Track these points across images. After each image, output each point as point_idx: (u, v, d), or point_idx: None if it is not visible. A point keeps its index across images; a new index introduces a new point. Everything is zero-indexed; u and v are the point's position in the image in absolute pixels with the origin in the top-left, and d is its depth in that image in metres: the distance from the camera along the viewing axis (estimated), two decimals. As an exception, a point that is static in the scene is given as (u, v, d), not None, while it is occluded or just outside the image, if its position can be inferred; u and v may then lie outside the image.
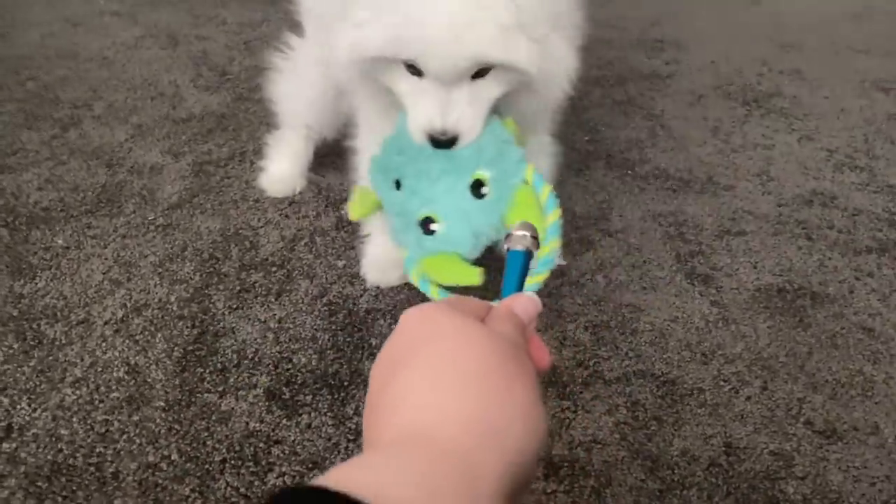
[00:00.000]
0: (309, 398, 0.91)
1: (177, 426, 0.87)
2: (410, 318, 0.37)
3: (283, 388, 0.93)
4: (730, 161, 1.57)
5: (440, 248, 0.84)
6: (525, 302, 0.43)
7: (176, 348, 0.98)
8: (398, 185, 0.86)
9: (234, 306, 1.07)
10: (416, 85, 0.79)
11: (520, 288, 0.52)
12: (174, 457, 0.82)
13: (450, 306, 0.38)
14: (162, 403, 0.89)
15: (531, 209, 0.79)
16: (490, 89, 0.80)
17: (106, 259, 1.16)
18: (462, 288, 0.76)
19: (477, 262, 0.83)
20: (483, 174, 0.82)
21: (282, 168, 1.36)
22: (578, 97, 1.86)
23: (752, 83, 2.01)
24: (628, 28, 2.50)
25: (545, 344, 0.43)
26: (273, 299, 1.08)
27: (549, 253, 0.75)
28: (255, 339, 1.00)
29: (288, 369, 0.96)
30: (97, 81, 1.85)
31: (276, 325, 1.03)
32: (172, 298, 1.08)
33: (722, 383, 0.96)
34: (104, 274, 1.13)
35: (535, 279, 0.75)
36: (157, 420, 0.87)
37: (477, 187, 0.82)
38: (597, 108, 1.84)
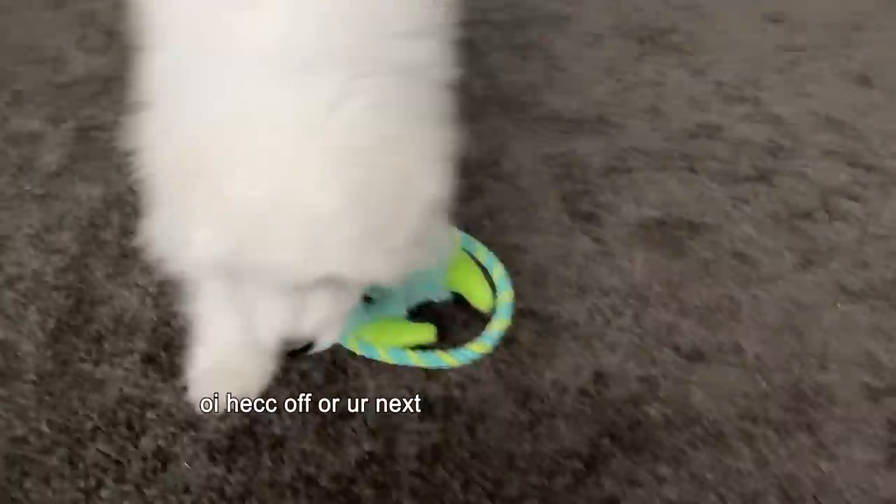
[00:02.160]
0: (186, 360, 0.91)
1: (48, 397, 0.86)
2: None
3: (161, 353, 0.92)
4: (621, 99, 1.59)
5: (378, 313, 0.89)
6: None
7: (49, 319, 0.97)
8: None
9: (113, 273, 1.05)
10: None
11: None
12: (43, 428, 0.82)
13: None
14: (33, 376, 0.88)
15: (468, 268, 0.95)
16: (352, 291, 0.72)
17: (-23, 234, 1.12)
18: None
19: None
20: None
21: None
22: (478, 41, 1.85)
23: (649, 21, 2.03)
24: (532, -31, 2.47)
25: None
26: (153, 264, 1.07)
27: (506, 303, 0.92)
28: (134, 305, 0.99)
29: (166, 332, 0.95)
30: (-27, 49, 1.76)
31: (156, 290, 1.02)
32: (48, 269, 1.06)
33: (596, 316, 0.99)
34: (-25, 249, 1.09)
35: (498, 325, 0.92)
36: (27, 393, 0.86)
37: None
38: (496, 52, 1.83)
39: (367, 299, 0.89)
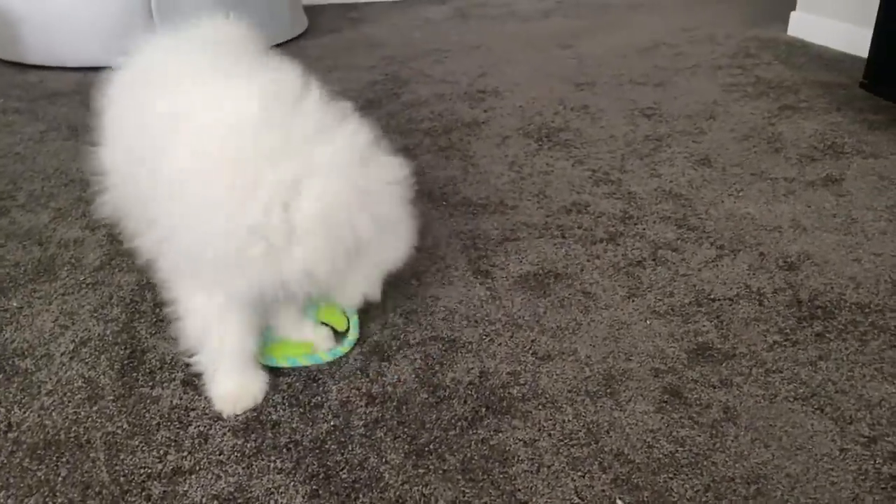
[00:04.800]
0: (207, 382, 1.38)
1: (124, 409, 1.32)
2: None
3: (194, 379, 1.40)
4: (518, 187, 2.13)
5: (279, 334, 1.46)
6: None
7: (115, 363, 1.44)
8: None
9: (154, 332, 1.53)
10: None
11: None
12: (124, 426, 1.28)
13: None
14: (111, 397, 1.35)
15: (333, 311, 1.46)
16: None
17: (52, 312, 1.60)
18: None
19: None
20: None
21: (233, 383, 1.30)
22: (412, 146, 2.40)
23: (547, 121, 2.60)
24: (459, 81, 3.06)
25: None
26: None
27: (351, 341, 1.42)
28: (171, 350, 1.47)
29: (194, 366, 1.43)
30: (14, 174, 2.26)
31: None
32: (108, 332, 1.53)
33: (484, 337, 1.49)
34: (54, 322, 1.57)
35: (351, 336, 1.44)
36: (110, 408, 1.32)
37: None
38: (425, 153, 2.38)
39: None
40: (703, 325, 1.51)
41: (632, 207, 2.00)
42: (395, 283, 1.65)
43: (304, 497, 1.13)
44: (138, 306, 1.60)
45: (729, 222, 1.91)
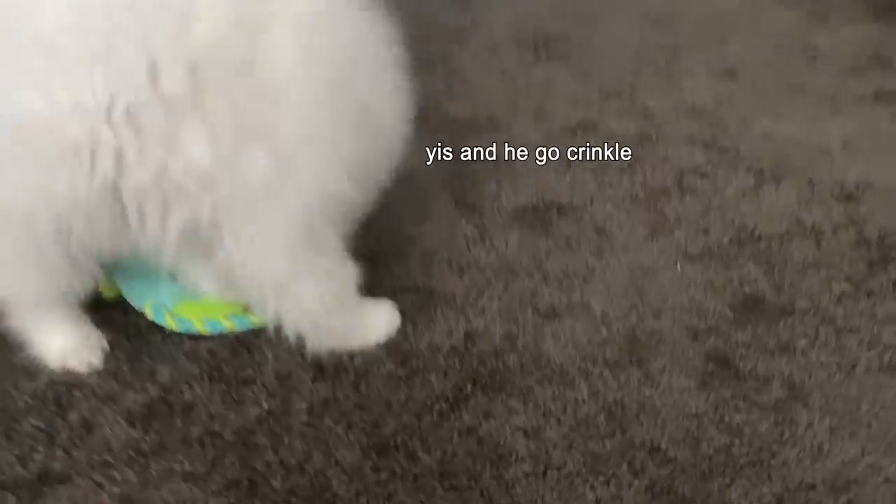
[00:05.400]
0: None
1: (-15, 386, 0.98)
2: None
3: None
4: (511, 102, 1.76)
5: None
6: None
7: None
8: None
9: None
10: None
11: None
12: (-18, 410, 0.94)
13: None
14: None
15: None
16: None
17: None
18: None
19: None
20: None
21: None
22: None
23: (544, 29, 2.21)
24: (440, -14, 2.65)
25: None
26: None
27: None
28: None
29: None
30: None
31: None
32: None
33: (471, 288, 1.15)
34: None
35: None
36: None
37: None
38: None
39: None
40: (750, 272, 1.18)
41: (649, 127, 1.64)
42: (363, 220, 1.30)
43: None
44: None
45: (766, 144, 1.57)
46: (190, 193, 0.77)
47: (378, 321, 1.05)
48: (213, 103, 0.74)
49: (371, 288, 1.13)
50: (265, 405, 0.95)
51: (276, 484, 0.85)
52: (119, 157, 0.73)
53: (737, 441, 0.90)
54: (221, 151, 0.76)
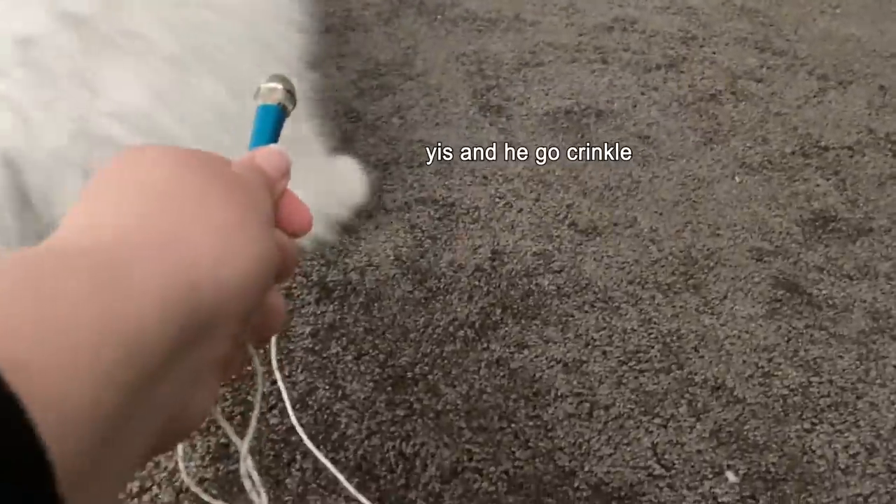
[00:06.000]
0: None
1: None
2: (121, 151, 0.29)
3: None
4: (538, -4, 1.56)
5: None
6: (270, 154, 0.35)
7: None
8: None
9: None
10: None
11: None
12: None
13: (176, 148, 0.30)
14: None
15: None
16: None
17: None
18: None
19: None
20: None
21: None
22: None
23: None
24: None
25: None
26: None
27: None
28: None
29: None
30: None
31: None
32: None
33: (497, 200, 1.00)
34: None
35: None
36: None
37: None
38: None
39: None
40: (818, 185, 1.02)
41: (694, 25, 1.45)
42: (371, 122, 1.14)
43: (203, 454, 0.67)
44: None
45: (828, 45, 1.38)
46: None
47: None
48: None
49: (382, 200, 0.98)
50: (261, 329, 0.81)
51: (275, 420, 0.72)
52: None
53: (814, 379, 0.76)
54: None
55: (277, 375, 0.49)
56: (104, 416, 0.20)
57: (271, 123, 0.43)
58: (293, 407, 0.73)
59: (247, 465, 0.39)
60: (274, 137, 0.42)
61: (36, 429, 0.18)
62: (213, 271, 0.25)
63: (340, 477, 0.54)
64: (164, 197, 0.27)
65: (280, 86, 0.43)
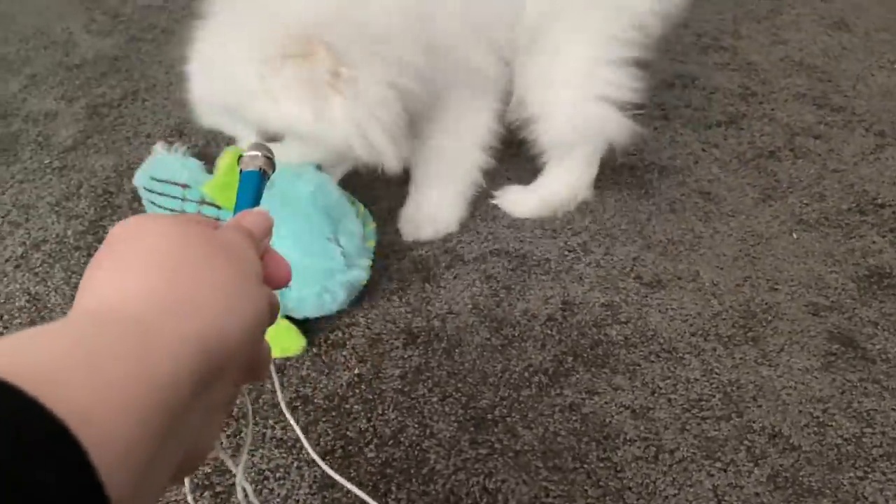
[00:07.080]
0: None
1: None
2: (119, 224, 0.34)
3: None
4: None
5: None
6: (255, 216, 0.40)
7: (73, 276, 1.07)
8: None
9: (128, 233, 1.15)
10: None
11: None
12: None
13: (166, 216, 0.35)
14: (61, 323, 0.99)
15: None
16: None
17: (4, 204, 1.23)
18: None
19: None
20: None
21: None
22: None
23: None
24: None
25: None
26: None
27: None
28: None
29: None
30: (-13, 36, 1.85)
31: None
32: (69, 233, 1.16)
33: (567, 252, 1.08)
34: (3, 217, 1.20)
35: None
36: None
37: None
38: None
39: None
40: (873, 242, 1.08)
41: (753, 82, 1.52)
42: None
43: (310, 485, 0.77)
44: (112, 200, 1.22)
45: (886, 101, 1.43)
46: None
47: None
48: None
49: (458, 252, 1.08)
50: (356, 370, 0.91)
51: (371, 454, 0.81)
52: None
53: (867, 430, 0.82)
54: None
55: (288, 415, 0.61)
56: (144, 453, 0.25)
57: (254, 187, 0.48)
58: (383, 444, 0.82)
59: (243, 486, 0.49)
60: (257, 200, 0.48)
61: (96, 470, 0.22)
62: (220, 326, 0.30)
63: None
64: (178, 266, 0.31)
65: (260, 153, 0.49)
